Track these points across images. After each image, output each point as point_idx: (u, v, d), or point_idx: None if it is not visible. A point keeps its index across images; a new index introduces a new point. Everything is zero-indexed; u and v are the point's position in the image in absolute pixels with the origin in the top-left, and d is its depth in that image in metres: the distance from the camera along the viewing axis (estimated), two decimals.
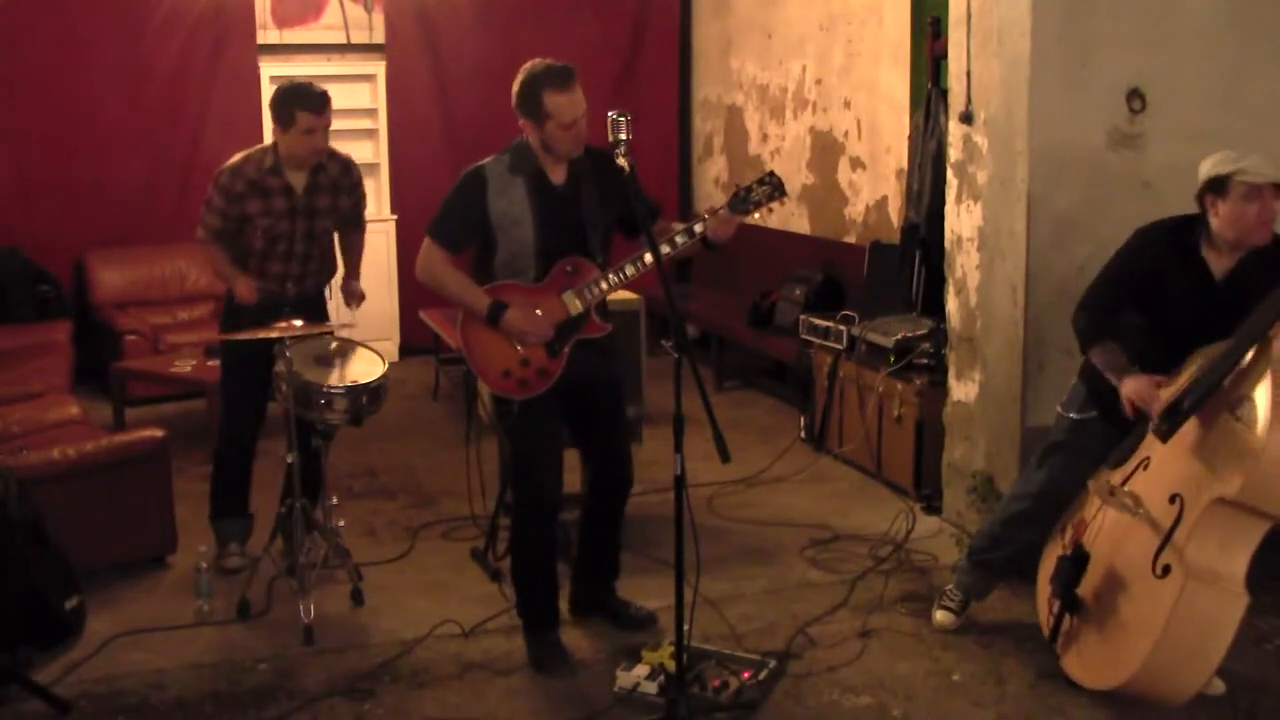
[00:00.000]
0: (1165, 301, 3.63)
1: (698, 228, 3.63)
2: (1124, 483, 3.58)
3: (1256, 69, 4.69)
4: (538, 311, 3.67)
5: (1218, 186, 3.51)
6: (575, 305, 3.69)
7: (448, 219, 3.75)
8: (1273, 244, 3.55)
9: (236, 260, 4.61)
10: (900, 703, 3.64)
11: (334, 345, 4.50)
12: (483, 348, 3.73)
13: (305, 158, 4.50)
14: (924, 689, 3.72)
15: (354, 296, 4.78)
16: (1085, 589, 3.61)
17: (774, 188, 3.63)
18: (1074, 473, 3.79)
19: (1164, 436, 3.46)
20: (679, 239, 3.63)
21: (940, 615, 4.12)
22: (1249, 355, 3.31)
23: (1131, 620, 3.43)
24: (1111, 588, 3.54)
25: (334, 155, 4.63)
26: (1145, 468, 3.55)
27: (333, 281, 4.86)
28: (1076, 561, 3.64)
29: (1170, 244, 3.65)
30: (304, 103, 4.40)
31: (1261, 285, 3.35)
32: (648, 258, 3.59)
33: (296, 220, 4.56)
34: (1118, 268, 3.74)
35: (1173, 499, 3.39)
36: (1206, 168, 3.56)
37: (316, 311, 4.69)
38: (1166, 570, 3.33)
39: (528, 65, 3.65)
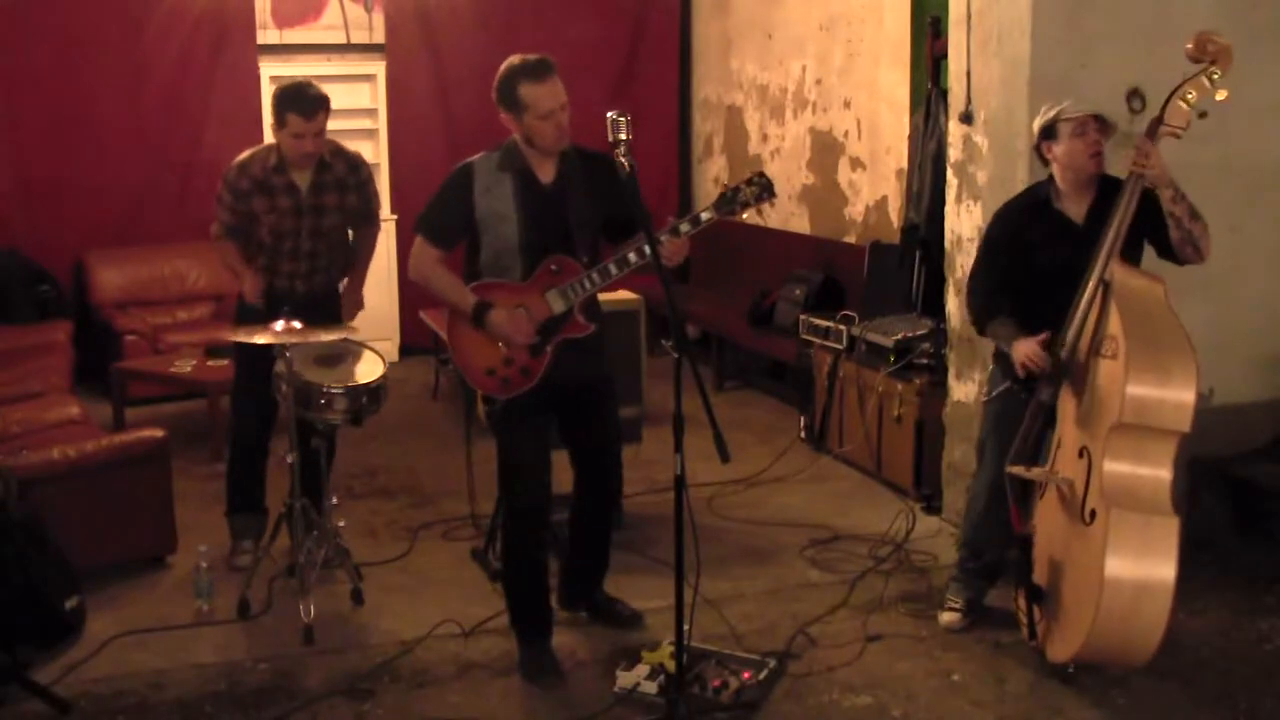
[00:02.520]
0: (1038, 259, 3.86)
1: (664, 238, 3.51)
2: (1050, 469, 3.78)
3: (1256, 69, 4.69)
4: (521, 310, 3.66)
5: (1049, 133, 3.84)
6: (558, 304, 3.68)
7: (434, 214, 3.76)
8: (1117, 182, 3.79)
9: (249, 256, 4.63)
10: (900, 703, 3.64)
11: (334, 345, 4.50)
12: (467, 346, 3.74)
13: (294, 160, 4.48)
14: (924, 689, 3.72)
15: (353, 307, 4.80)
16: (1039, 575, 3.74)
17: (762, 188, 3.59)
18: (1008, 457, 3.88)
19: (1052, 398, 3.72)
20: (631, 256, 3.58)
21: (947, 616, 4.13)
22: (1097, 300, 3.60)
23: (1081, 575, 3.54)
24: (1059, 560, 3.68)
25: (340, 152, 4.62)
26: (1060, 447, 3.77)
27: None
28: (1021, 546, 3.76)
29: (1024, 209, 3.97)
30: (294, 105, 4.38)
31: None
32: (631, 257, 3.58)
33: (302, 218, 4.55)
34: (987, 248, 4.04)
35: (1081, 453, 3.61)
36: (1036, 124, 3.89)
37: (327, 309, 4.66)
38: (1093, 515, 3.51)
39: (506, 61, 3.68)
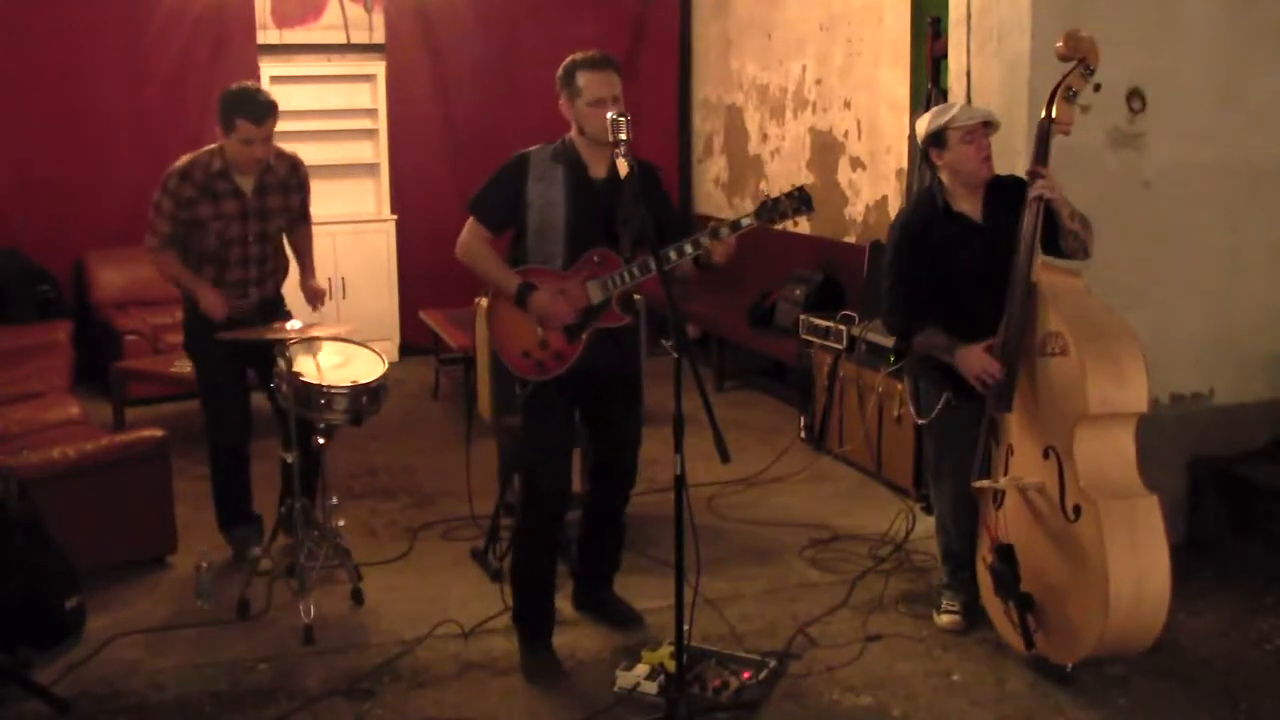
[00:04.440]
0: (947, 262, 3.86)
1: (704, 240, 3.62)
2: (1005, 475, 3.80)
3: (1256, 69, 4.69)
4: (562, 295, 3.75)
5: (937, 140, 3.85)
6: (597, 294, 3.76)
7: (487, 196, 3.87)
8: (1006, 179, 3.91)
9: (192, 266, 4.56)
10: (900, 703, 3.64)
11: (332, 345, 4.49)
12: (507, 327, 3.84)
13: (243, 166, 4.46)
14: (924, 689, 3.72)
15: (316, 296, 4.73)
16: (1027, 582, 3.73)
17: (801, 201, 3.65)
18: (968, 468, 3.88)
19: (1006, 409, 3.73)
20: (671, 254, 3.63)
21: (945, 619, 4.13)
22: (1027, 305, 3.64)
23: (1078, 572, 3.54)
24: (1047, 563, 3.67)
25: (280, 155, 4.60)
26: (1013, 454, 3.79)
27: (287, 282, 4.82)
28: (1005, 558, 3.76)
29: (924, 215, 3.96)
30: (245, 110, 4.34)
31: (1012, 216, 3.69)
32: (671, 254, 3.63)
33: (249, 222, 4.53)
34: (894, 263, 3.98)
35: (1046, 454, 3.64)
36: (922, 128, 3.90)
37: (278, 313, 4.64)
38: (1078, 510, 3.53)
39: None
